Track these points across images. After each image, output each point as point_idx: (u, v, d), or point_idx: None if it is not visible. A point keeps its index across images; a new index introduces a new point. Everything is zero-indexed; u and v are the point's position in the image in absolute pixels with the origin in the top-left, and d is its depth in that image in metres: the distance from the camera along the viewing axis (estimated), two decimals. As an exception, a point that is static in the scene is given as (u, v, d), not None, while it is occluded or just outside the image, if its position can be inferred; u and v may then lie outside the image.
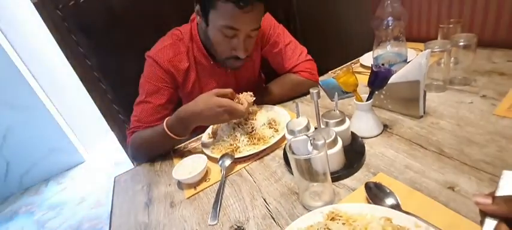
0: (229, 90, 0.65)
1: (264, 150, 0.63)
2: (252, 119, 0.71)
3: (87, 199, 1.93)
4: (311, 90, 0.51)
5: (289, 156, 0.44)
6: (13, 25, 1.94)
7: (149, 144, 0.72)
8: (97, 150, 2.49)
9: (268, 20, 0.86)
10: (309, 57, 0.87)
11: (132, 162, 1.29)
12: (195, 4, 0.70)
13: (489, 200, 0.27)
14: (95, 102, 1.14)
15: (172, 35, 0.79)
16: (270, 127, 0.69)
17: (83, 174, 2.25)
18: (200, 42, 0.77)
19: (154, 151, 0.74)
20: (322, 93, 0.84)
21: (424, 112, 0.60)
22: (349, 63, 1.01)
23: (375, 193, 0.43)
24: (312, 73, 0.84)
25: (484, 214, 0.28)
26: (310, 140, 0.47)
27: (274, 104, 0.84)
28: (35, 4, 0.99)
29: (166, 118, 0.67)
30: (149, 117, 0.74)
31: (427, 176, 0.46)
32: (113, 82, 1.11)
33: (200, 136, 0.78)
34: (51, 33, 1.03)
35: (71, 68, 1.06)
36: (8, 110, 2.02)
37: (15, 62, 1.95)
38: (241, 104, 0.63)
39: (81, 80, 1.10)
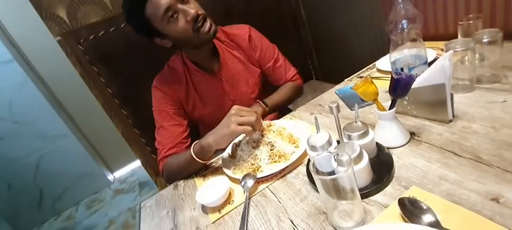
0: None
1: (286, 167, 0.62)
2: (271, 135, 0.70)
3: (116, 222, 1.99)
4: (330, 104, 0.50)
5: (314, 176, 0.43)
6: (41, 59, 2.09)
7: (180, 169, 0.78)
8: (122, 171, 2.58)
9: (263, 40, 1.00)
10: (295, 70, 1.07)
11: (155, 182, 1.32)
12: (154, 39, 0.82)
13: None
14: (118, 128, 1.19)
15: (167, 66, 0.93)
16: (289, 143, 0.68)
17: (111, 196, 2.33)
18: (190, 61, 0.90)
19: (185, 174, 0.79)
20: (340, 102, 0.82)
21: (453, 116, 0.57)
22: (365, 68, 0.98)
23: (411, 210, 0.41)
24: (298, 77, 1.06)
25: None
26: (334, 156, 0.45)
27: (276, 110, 0.99)
28: (58, 41, 1.06)
29: (193, 144, 0.72)
30: (169, 138, 0.85)
31: (466, 187, 0.43)
32: (133, 108, 1.16)
33: (220, 156, 0.78)
34: (75, 67, 1.09)
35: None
36: (40, 140, 2.15)
37: (43, 95, 2.09)
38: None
39: (104, 108, 1.16)
